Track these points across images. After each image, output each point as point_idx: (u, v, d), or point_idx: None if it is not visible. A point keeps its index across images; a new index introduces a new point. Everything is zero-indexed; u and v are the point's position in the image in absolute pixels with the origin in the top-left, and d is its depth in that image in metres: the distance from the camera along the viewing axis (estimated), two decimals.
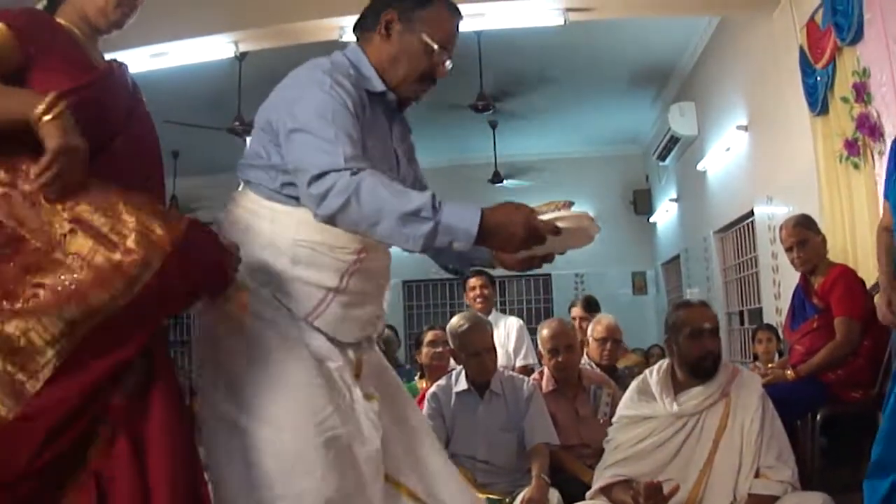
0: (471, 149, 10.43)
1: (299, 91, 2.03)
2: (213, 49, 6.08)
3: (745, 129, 6.66)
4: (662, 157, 9.28)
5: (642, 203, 11.43)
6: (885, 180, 3.13)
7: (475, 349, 3.81)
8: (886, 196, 3.12)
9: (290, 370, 1.98)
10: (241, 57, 6.49)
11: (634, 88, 9.17)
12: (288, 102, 2.03)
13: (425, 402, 3.86)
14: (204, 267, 1.78)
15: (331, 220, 1.88)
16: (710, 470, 2.99)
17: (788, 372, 3.97)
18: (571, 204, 1.94)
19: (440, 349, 4.56)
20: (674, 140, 8.49)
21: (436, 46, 2.11)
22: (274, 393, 1.96)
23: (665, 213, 10.50)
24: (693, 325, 3.09)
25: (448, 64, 2.16)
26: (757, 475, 3.01)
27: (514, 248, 1.89)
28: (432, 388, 3.99)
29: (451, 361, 4.56)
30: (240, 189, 2.18)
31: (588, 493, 3.19)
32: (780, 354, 5.18)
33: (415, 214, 1.78)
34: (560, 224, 1.86)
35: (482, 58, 7.28)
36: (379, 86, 2.14)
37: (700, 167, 8.07)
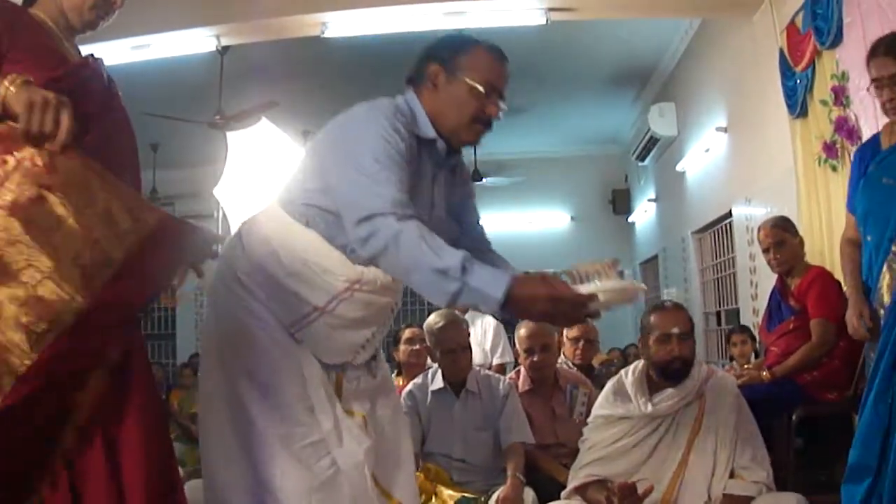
0: None
1: (359, 130, 2.09)
2: (195, 42, 6.01)
3: (725, 130, 6.69)
4: (642, 158, 9.31)
5: (621, 203, 11.46)
6: (849, 192, 3.14)
7: (450, 346, 3.80)
8: (850, 209, 3.13)
9: (282, 381, 2.12)
10: (223, 51, 6.44)
11: (615, 88, 9.19)
12: (346, 139, 2.11)
13: (401, 401, 3.84)
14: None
15: (372, 261, 2.00)
16: (684, 470, 2.99)
17: (764, 373, 3.97)
18: (617, 263, 2.00)
19: (417, 347, 4.54)
20: (653, 140, 8.52)
21: (481, 88, 2.17)
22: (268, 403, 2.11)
23: (644, 213, 10.53)
24: (662, 329, 3.09)
25: (501, 104, 2.22)
26: (732, 476, 3.01)
27: (540, 319, 2.01)
28: (408, 387, 3.97)
29: (429, 360, 4.55)
30: (274, 200, 2.29)
31: (563, 493, 3.18)
32: (757, 355, 5.19)
33: (443, 273, 1.84)
34: (600, 296, 1.88)
35: None
36: (430, 133, 2.20)
37: (679, 168, 8.10)
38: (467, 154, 2.30)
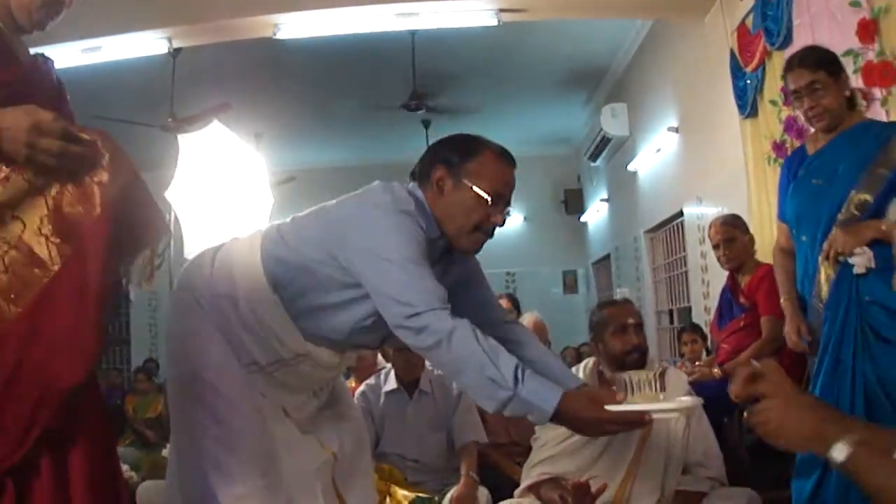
0: (403, 148, 10.36)
1: (380, 221, 2.06)
2: (147, 44, 5.94)
3: (676, 130, 6.75)
4: (594, 158, 9.36)
5: (574, 202, 11.52)
6: (779, 200, 3.20)
7: (401, 343, 3.77)
8: (781, 216, 3.19)
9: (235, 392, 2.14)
10: (175, 53, 6.36)
11: (567, 89, 9.23)
12: (374, 233, 2.06)
13: (354, 402, 3.82)
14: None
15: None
16: (637, 467, 2.98)
17: (715, 370, 4.01)
18: (663, 375, 2.01)
19: None
20: (605, 141, 8.57)
21: (488, 198, 2.12)
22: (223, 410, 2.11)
23: (596, 213, 10.60)
24: (618, 321, 3.09)
25: (507, 211, 2.19)
26: (684, 472, 3.02)
27: (586, 435, 2.09)
28: (361, 387, 3.96)
29: (381, 360, 4.52)
30: (255, 234, 2.28)
31: (516, 491, 3.17)
32: (708, 353, 5.24)
33: (495, 380, 1.86)
34: (653, 414, 1.89)
35: (416, 57, 7.25)
36: (434, 233, 2.16)
37: (631, 168, 8.16)
38: (419, 154, 2.27)
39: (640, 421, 1.89)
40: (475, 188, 2.11)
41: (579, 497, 2.82)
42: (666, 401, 1.97)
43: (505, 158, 2.18)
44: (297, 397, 2.27)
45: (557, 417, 1.87)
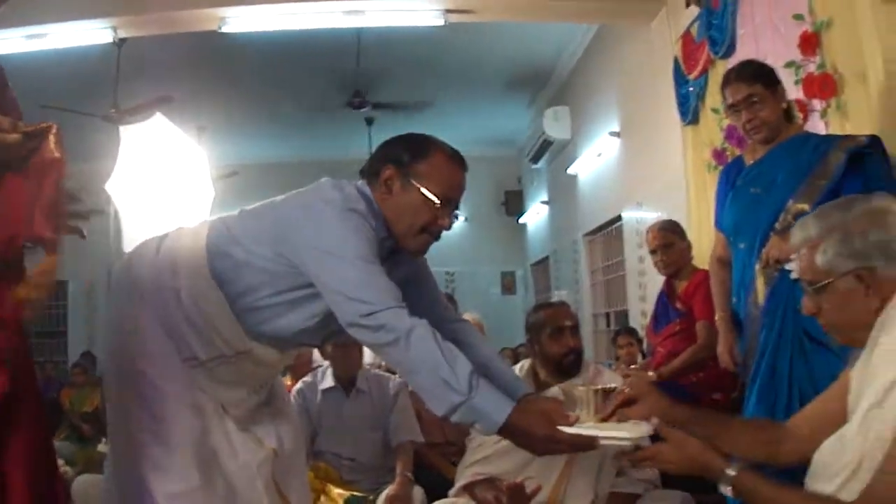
0: (346, 145, 10.34)
1: (330, 220, 2.02)
2: (92, 33, 5.84)
3: (618, 135, 6.82)
4: (535, 160, 9.41)
5: (514, 204, 11.58)
6: (716, 210, 3.24)
7: (341, 340, 3.75)
8: (718, 226, 3.23)
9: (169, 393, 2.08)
10: (120, 43, 6.23)
11: (511, 91, 9.27)
12: (324, 232, 2.01)
13: (291, 399, 3.78)
14: None
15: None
16: (571, 469, 2.98)
17: (650, 373, 4.03)
18: (608, 393, 1.98)
19: None
20: (547, 143, 8.62)
21: (436, 200, 2.08)
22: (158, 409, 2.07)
23: (536, 215, 10.66)
24: (554, 323, 3.09)
25: (457, 213, 2.17)
26: (618, 474, 3.04)
27: (532, 452, 1.97)
28: (298, 385, 3.92)
29: (318, 358, 4.49)
30: (200, 227, 2.23)
31: (451, 491, 3.16)
32: (643, 356, 5.29)
33: (449, 384, 1.84)
34: (601, 441, 1.87)
35: (361, 55, 7.22)
36: (382, 232, 2.11)
37: (571, 171, 8.22)
38: (363, 153, 2.23)
39: (590, 445, 1.87)
40: (424, 190, 2.07)
41: (514, 498, 2.81)
42: (618, 424, 1.95)
43: (456, 161, 2.15)
44: (236, 393, 2.22)
45: (505, 430, 1.86)
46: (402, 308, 1.91)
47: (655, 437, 1.89)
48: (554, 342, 3.08)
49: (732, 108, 2.95)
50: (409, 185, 2.08)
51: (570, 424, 1.88)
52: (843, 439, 1.61)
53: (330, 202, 2.03)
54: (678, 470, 1.77)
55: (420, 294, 2.29)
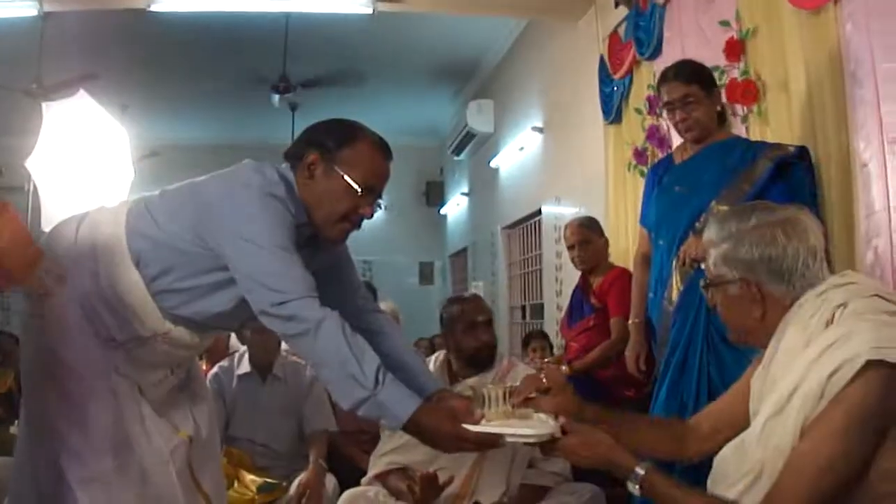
0: (270, 129, 10.19)
1: (247, 204, 1.98)
2: (16, 6, 5.58)
3: (541, 130, 6.87)
4: (457, 152, 9.41)
5: (434, 195, 11.58)
6: (643, 207, 3.31)
7: (260, 325, 3.70)
8: (643, 223, 3.29)
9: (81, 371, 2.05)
10: (45, 17, 6.01)
11: (436, 82, 9.26)
12: (240, 217, 1.98)
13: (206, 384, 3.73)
14: None
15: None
16: (483, 462, 3.00)
17: (563, 367, 4.08)
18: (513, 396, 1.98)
19: None
20: (470, 136, 8.62)
21: (358, 188, 2.05)
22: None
23: (456, 206, 10.68)
24: (467, 318, 3.11)
25: (380, 203, 2.15)
26: (530, 466, 3.07)
27: (438, 449, 1.97)
28: (214, 370, 3.89)
29: (234, 343, 4.43)
30: (121, 206, 2.19)
31: (364, 480, 3.15)
32: (552, 353, 5.35)
33: (355, 378, 1.83)
34: (507, 439, 1.87)
35: (288, 40, 7.12)
36: (302, 218, 2.07)
37: (493, 164, 8.26)
38: (286, 137, 2.19)
39: (494, 443, 1.88)
40: (346, 177, 2.05)
41: (426, 488, 2.82)
42: (524, 420, 1.96)
43: (382, 150, 2.14)
44: (154, 374, 2.19)
45: (410, 427, 1.86)
46: (313, 298, 1.90)
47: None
48: (467, 336, 3.09)
49: (667, 106, 3.00)
50: (331, 172, 2.06)
51: (476, 422, 1.89)
52: (744, 446, 1.65)
53: (249, 186, 2.00)
54: (588, 465, 1.80)
55: (339, 282, 2.29)
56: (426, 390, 2.10)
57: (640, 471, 1.65)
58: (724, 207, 2.78)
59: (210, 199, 2.04)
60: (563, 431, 1.82)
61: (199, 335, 2.19)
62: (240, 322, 2.26)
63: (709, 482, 1.73)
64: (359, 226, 2.16)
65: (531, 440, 1.93)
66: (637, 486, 1.66)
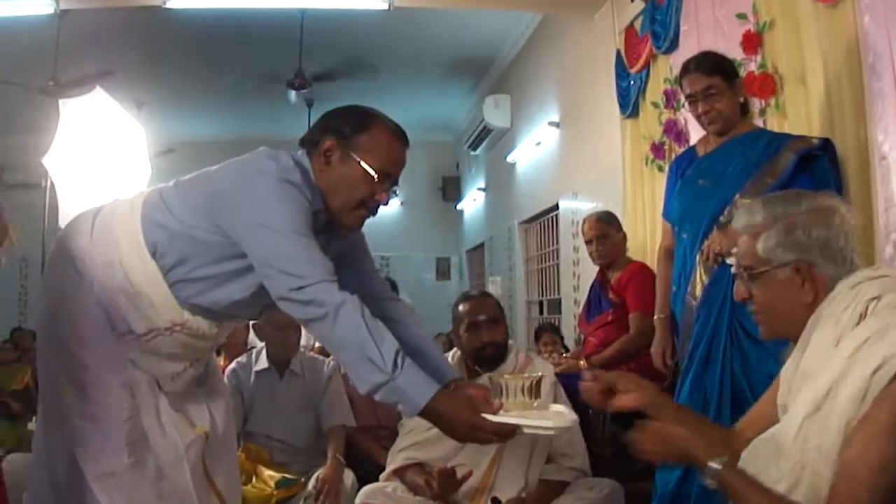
0: (286, 126, 10.19)
1: (263, 191, 1.98)
2: (32, 4, 5.64)
3: (557, 125, 6.85)
4: (474, 147, 9.41)
5: (451, 190, 11.57)
6: (665, 200, 3.28)
7: (280, 322, 3.72)
8: (666, 216, 3.27)
9: (99, 373, 2.05)
10: (62, 15, 6.05)
11: (453, 77, 9.24)
12: (258, 204, 1.97)
13: (224, 381, 3.75)
14: None
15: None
16: (501, 456, 3.01)
17: (582, 362, 4.07)
18: (539, 383, 1.97)
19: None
20: (486, 131, 8.62)
21: (375, 174, 2.05)
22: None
23: (472, 202, 10.67)
24: (470, 318, 3.12)
25: (394, 191, 2.15)
26: (549, 462, 3.07)
27: (454, 438, 1.96)
28: (232, 365, 3.89)
29: (253, 339, 4.44)
30: (136, 198, 2.18)
31: (382, 476, 3.16)
32: (566, 350, 5.34)
33: (374, 362, 1.82)
34: (524, 430, 1.88)
35: (304, 36, 7.14)
36: (318, 205, 2.08)
37: (510, 159, 8.25)
38: (301, 133, 2.19)
39: (511, 434, 1.87)
40: (363, 164, 2.05)
41: (445, 482, 2.83)
42: (542, 412, 1.96)
43: (398, 136, 2.13)
44: (173, 366, 2.19)
45: (427, 413, 1.85)
46: (332, 282, 1.89)
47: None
48: (470, 336, 3.11)
49: (689, 98, 2.97)
50: (348, 158, 2.06)
51: (494, 412, 1.89)
52: (775, 440, 1.62)
53: (264, 172, 2.00)
54: (663, 459, 1.77)
55: (357, 269, 2.29)
56: (444, 380, 2.08)
57: (716, 465, 1.61)
58: (748, 200, 2.76)
59: (225, 186, 2.05)
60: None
61: (217, 325, 2.20)
62: (258, 310, 2.24)
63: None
64: (375, 212, 2.15)
65: (550, 432, 1.93)
66: (712, 481, 1.63)
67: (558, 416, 2.00)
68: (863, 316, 1.59)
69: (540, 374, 2.08)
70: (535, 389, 1.96)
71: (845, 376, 1.50)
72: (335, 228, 2.19)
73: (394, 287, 5.99)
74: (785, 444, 1.59)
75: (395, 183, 2.14)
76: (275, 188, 1.97)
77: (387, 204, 2.14)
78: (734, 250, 1.88)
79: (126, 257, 2.07)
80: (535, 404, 1.96)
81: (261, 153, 2.09)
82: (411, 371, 1.84)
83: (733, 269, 1.88)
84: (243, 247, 1.98)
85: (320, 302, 1.87)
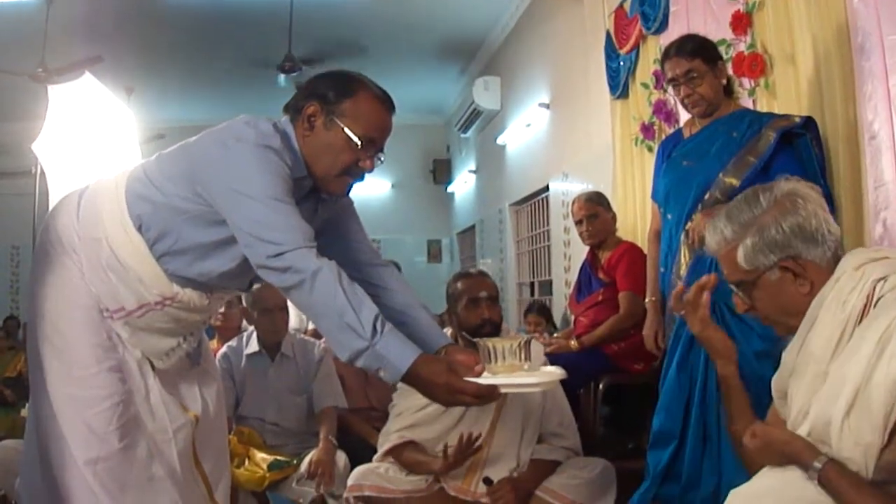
0: (275, 110, 10.12)
1: (241, 158, 1.96)
2: None
3: (547, 106, 6.84)
4: (464, 129, 9.40)
5: (441, 172, 11.56)
6: (654, 182, 3.29)
7: (267, 305, 3.72)
8: (654, 197, 3.28)
9: (80, 346, 2.06)
10: (50, 1, 6.02)
11: (442, 59, 9.22)
12: (236, 170, 1.95)
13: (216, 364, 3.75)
14: None
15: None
16: (492, 437, 3.03)
17: (572, 342, 4.09)
18: (528, 344, 1.95)
19: (223, 309, 4.35)
20: (476, 113, 8.61)
21: (358, 141, 2.02)
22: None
23: (463, 184, 10.67)
24: (470, 294, 3.12)
25: (379, 158, 2.10)
26: (540, 441, 3.09)
27: (437, 402, 1.93)
28: (223, 349, 3.89)
29: (245, 323, 4.44)
30: (121, 175, 2.19)
31: (375, 457, 3.17)
32: (556, 329, 5.36)
33: (353, 328, 1.79)
34: (502, 390, 1.87)
35: (293, 20, 7.11)
36: (301, 171, 2.05)
37: (500, 141, 8.25)
38: None
39: (492, 395, 1.85)
40: (347, 130, 2.02)
41: (465, 449, 2.84)
42: (529, 372, 1.94)
43: (383, 102, 2.10)
44: (167, 342, 2.19)
45: (410, 378, 1.82)
46: (309, 248, 1.87)
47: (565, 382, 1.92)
48: (469, 312, 3.10)
49: (672, 82, 2.98)
50: (332, 124, 2.03)
51: (476, 375, 1.87)
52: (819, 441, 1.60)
53: (242, 139, 1.98)
54: (768, 463, 1.72)
55: (344, 235, 2.28)
56: (435, 345, 2.08)
57: (818, 464, 1.56)
58: (732, 180, 2.78)
59: (203, 154, 2.04)
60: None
61: (207, 297, 2.19)
62: (247, 281, 2.22)
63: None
64: (361, 178, 2.13)
65: (534, 389, 1.93)
66: (815, 481, 1.57)
67: (544, 373, 1.99)
68: (870, 297, 1.60)
69: (528, 336, 2.07)
70: (522, 350, 1.94)
71: (875, 370, 1.49)
72: (321, 195, 2.18)
73: (398, 269, 5.97)
74: (822, 447, 1.57)
75: (381, 150, 2.11)
76: (252, 154, 1.95)
77: (372, 171, 2.10)
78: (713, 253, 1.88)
79: (112, 232, 2.07)
80: (526, 367, 1.94)
81: (239, 120, 2.07)
82: (391, 336, 1.82)
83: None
84: (223, 214, 1.96)
85: (297, 269, 1.84)
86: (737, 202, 1.85)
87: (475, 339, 2.03)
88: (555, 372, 1.99)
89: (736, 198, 1.89)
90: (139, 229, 2.06)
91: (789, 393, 1.74)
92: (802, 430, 1.62)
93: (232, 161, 1.96)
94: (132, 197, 2.08)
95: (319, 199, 2.18)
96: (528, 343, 1.97)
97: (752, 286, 1.78)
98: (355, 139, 2.02)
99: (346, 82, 2.08)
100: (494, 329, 3.10)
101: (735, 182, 2.76)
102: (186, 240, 2.05)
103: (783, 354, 1.78)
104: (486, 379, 1.86)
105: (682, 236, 2.93)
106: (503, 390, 1.87)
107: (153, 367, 2.17)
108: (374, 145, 2.07)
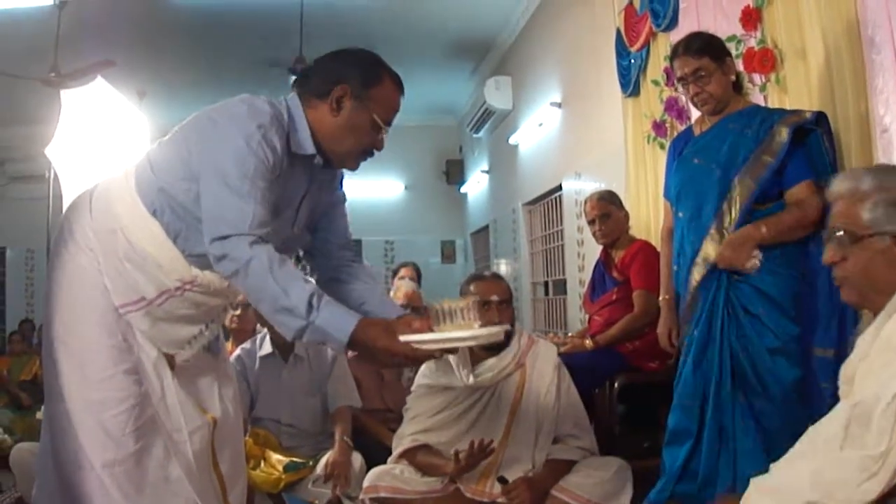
0: None
1: (231, 138, 1.99)
2: None
3: (559, 105, 6.82)
4: (476, 129, 9.39)
5: (454, 173, 11.55)
6: (665, 180, 3.28)
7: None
8: (666, 195, 3.27)
9: (95, 347, 2.07)
10: (61, 5, 6.05)
11: (453, 60, 9.21)
12: (216, 143, 2.01)
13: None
14: None
15: (227, 279, 2.01)
16: (508, 439, 3.04)
17: (587, 341, 4.08)
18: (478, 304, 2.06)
19: (238, 312, 4.38)
20: (488, 113, 8.60)
21: (383, 125, 2.13)
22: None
23: (476, 184, 10.66)
24: (481, 297, 3.12)
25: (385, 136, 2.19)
26: (556, 442, 3.09)
27: (380, 365, 2.00)
28: (237, 352, 3.90)
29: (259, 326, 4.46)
30: (129, 168, 2.21)
31: (390, 459, 3.18)
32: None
33: (289, 310, 1.87)
34: (443, 346, 1.94)
35: (304, 20, 7.13)
36: (309, 149, 2.12)
37: (512, 141, 8.23)
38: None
39: (427, 354, 1.93)
40: (375, 115, 2.12)
41: (478, 454, 2.84)
42: (475, 328, 1.99)
43: (400, 87, 2.22)
44: (189, 329, 2.22)
45: (354, 345, 1.90)
46: (248, 236, 1.91)
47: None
48: (480, 316, 3.09)
49: (680, 81, 2.98)
50: (362, 108, 2.12)
51: (414, 332, 1.93)
52: (865, 413, 1.57)
53: (233, 116, 2.03)
54: None
55: (328, 228, 2.37)
56: (387, 316, 2.14)
57: None
58: (748, 181, 2.77)
59: (196, 131, 2.10)
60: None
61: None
62: None
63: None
64: (372, 156, 2.23)
65: (471, 342, 1.96)
66: None
67: (486, 329, 2.04)
68: None
69: (478, 298, 2.10)
70: (471, 311, 2.00)
71: None
72: (325, 184, 2.27)
73: (420, 275, 5.99)
74: (871, 422, 1.55)
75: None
76: (237, 132, 1.99)
77: (381, 149, 2.21)
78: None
79: (126, 222, 2.09)
80: (477, 325, 1.99)
81: (235, 99, 2.11)
82: (328, 310, 1.88)
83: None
84: (200, 187, 2.01)
85: (232, 257, 1.91)
86: (888, 166, 1.86)
87: (426, 304, 2.08)
88: (493, 329, 2.06)
89: (883, 164, 1.89)
90: (154, 214, 2.09)
91: (857, 375, 1.71)
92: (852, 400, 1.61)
93: (216, 137, 2.01)
94: (141, 184, 2.11)
95: (321, 186, 2.25)
96: (476, 304, 2.06)
97: (857, 242, 1.76)
98: (381, 123, 2.13)
99: (373, 68, 2.17)
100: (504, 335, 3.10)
101: (751, 183, 2.76)
102: (198, 214, 2.06)
103: (857, 340, 1.77)
104: (420, 336, 1.92)
105: (701, 238, 2.91)
106: (442, 346, 1.93)
107: (171, 367, 2.18)
108: (389, 126, 2.18)
